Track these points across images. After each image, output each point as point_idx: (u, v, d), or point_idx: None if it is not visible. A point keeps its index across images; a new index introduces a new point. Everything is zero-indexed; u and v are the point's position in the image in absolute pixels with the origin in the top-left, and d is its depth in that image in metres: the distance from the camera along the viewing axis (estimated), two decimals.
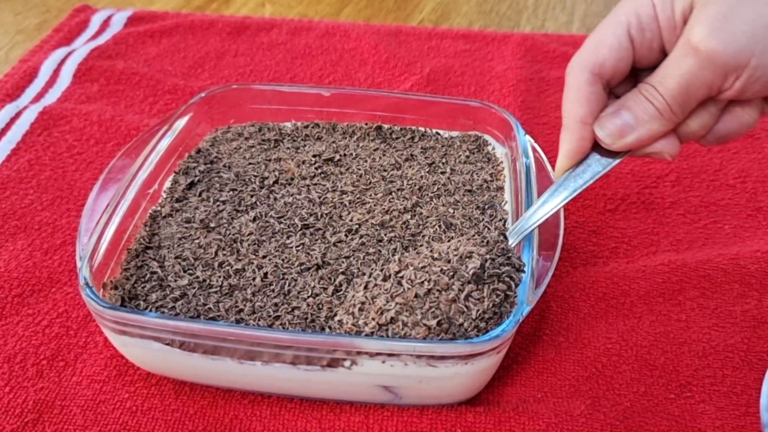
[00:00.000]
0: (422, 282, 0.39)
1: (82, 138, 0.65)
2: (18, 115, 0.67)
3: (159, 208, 0.52)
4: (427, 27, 0.86)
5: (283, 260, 0.47)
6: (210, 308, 0.44)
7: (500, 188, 0.53)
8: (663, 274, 0.51)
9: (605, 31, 0.39)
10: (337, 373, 0.40)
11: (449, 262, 0.40)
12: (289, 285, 0.45)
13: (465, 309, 0.38)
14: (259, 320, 0.43)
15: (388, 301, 0.39)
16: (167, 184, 0.54)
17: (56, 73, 0.73)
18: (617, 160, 0.40)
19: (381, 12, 0.91)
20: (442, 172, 0.55)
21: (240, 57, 0.78)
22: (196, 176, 0.54)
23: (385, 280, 0.41)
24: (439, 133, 0.60)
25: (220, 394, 0.44)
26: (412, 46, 0.81)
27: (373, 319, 0.39)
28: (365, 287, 0.41)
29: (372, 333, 0.39)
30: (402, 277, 0.40)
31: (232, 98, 0.60)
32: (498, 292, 0.39)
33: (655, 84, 0.37)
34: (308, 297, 0.44)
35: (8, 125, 0.66)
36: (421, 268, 0.40)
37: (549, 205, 0.42)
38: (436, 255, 0.40)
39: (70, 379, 0.45)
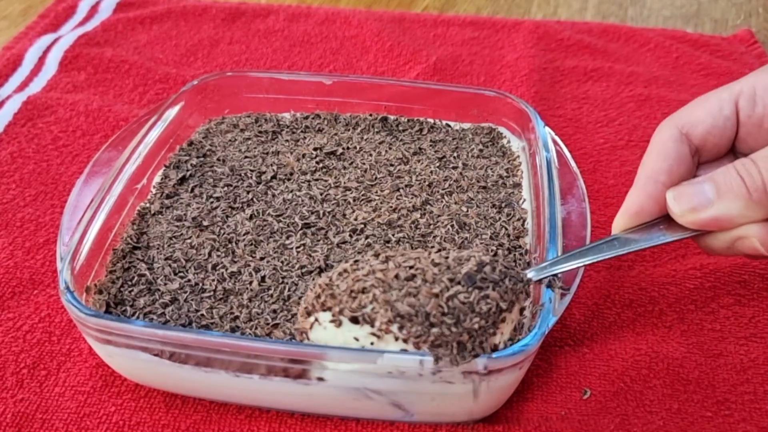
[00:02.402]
0: (409, 267, 0.36)
1: (68, 129, 0.62)
2: (0, 104, 0.64)
3: (148, 205, 0.49)
4: (432, 13, 0.83)
5: (282, 262, 0.44)
6: (203, 315, 0.41)
7: (517, 185, 0.50)
8: (694, 280, 0.47)
9: (712, 94, 0.35)
10: (341, 388, 0.37)
11: (446, 259, 0.36)
12: (288, 290, 0.42)
13: (446, 309, 0.34)
14: (256, 328, 0.40)
15: (368, 273, 0.36)
16: (157, 178, 0.51)
17: (41, 60, 0.70)
18: (684, 237, 0.34)
19: None
20: (454, 167, 0.52)
21: (235, 44, 0.75)
22: (187, 170, 0.51)
23: (375, 257, 0.38)
24: (449, 125, 0.57)
25: (215, 407, 0.41)
26: (417, 34, 0.78)
27: (346, 283, 0.36)
28: (355, 261, 0.38)
29: (341, 295, 0.36)
30: (390, 259, 0.37)
31: (227, 87, 0.57)
32: (489, 301, 0.34)
33: (756, 159, 0.31)
34: None
35: None
36: (414, 257, 0.37)
37: (588, 258, 0.37)
38: (435, 256, 0.37)
39: (53, 390, 0.42)
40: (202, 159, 0.52)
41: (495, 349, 0.35)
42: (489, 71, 0.72)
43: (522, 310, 0.37)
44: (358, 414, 0.40)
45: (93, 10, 0.79)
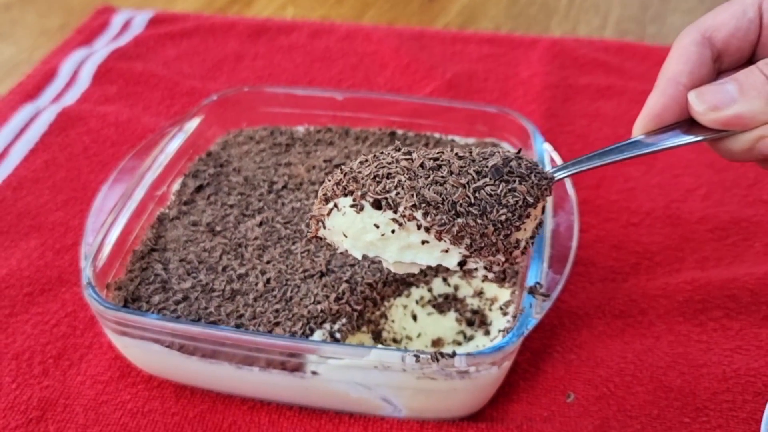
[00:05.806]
0: (433, 159, 0.35)
1: (99, 139, 0.65)
2: (37, 115, 0.67)
3: (167, 211, 0.52)
4: (451, 30, 0.84)
5: (287, 266, 0.46)
6: (211, 312, 0.43)
7: None
8: (685, 293, 0.48)
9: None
10: (334, 382, 0.39)
11: (470, 153, 0.36)
12: (291, 291, 0.44)
13: (472, 200, 0.33)
14: (258, 326, 0.42)
15: (392, 162, 0.35)
16: (176, 186, 0.54)
17: (76, 73, 0.74)
18: (705, 138, 0.34)
19: (405, 15, 0.89)
20: None
21: (259, 60, 0.78)
22: (205, 179, 0.54)
23: (396, 150, 0.37)
24: (454, 140, 0.58)
25: (220, 399, 0.44)
26: (434, 50, 0.79)
27: (369, 169, 0.35)
28: (374, 155, 0.37)
29: (364, 179, 0.35)
30: (413, 151, 0.36)
31: (245, 101, 0.60)
32: (516, 194, 0.33)
33: None
34: (310, 304, 0.43)
35: (27, 125, 0.66)
36: (438, 151, 0.36)
37: (609, 158, 0.36)
38: (458, 150, 0.36)
39: (75, 379, 0.45)
40: (218, 169, 0.55)
41: (517, 245, 0.35)
42: (503, 88, 0.73)
43: (544, 208, 0.36)
44: (350, 408, 0.42)
45: (126, 26, 0.82)
